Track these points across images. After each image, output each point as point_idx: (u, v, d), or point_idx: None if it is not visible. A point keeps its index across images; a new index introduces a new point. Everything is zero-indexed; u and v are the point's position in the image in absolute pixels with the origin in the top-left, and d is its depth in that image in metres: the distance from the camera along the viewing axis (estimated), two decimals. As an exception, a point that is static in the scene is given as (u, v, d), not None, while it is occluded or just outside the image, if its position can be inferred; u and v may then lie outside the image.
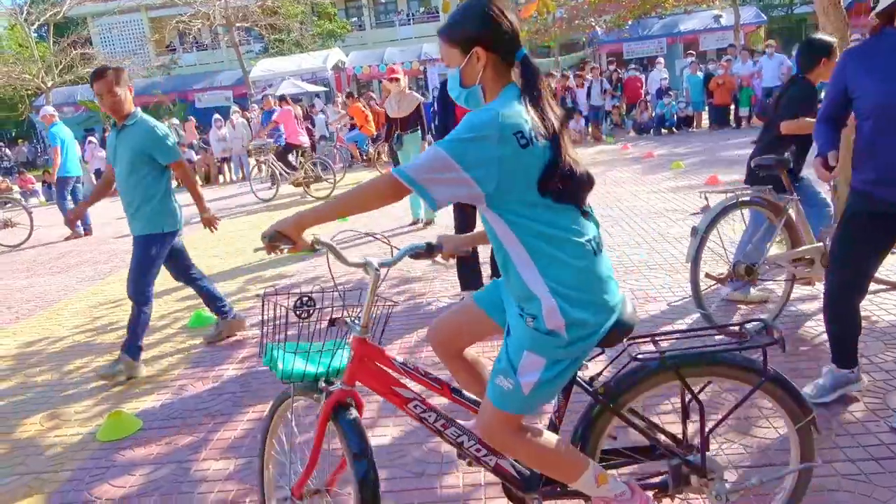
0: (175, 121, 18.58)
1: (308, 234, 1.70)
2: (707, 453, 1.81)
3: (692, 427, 1.86)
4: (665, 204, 7.23)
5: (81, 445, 3.17)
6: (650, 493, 1.85)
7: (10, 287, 7.01)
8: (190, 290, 4.53)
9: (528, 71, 1.64)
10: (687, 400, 1.82)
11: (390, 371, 1.86)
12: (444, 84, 4.03)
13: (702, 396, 1.80)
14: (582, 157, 1.63)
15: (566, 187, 1.58)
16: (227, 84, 27.13)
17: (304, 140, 11.74)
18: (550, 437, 1.74)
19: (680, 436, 1.86)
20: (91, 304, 5.86)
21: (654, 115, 15.22)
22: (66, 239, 9.74)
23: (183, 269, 4.21)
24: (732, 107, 14.49)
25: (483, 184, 1.53)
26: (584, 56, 27.29)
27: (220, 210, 10.89)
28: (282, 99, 12.82)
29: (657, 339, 1.80)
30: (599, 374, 1.85)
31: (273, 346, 1.90)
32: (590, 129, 15.39)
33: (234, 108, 17.41)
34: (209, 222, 4.17)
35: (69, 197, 9.74)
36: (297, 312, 1.80)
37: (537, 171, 1.56)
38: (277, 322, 1.85)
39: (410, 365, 1.88)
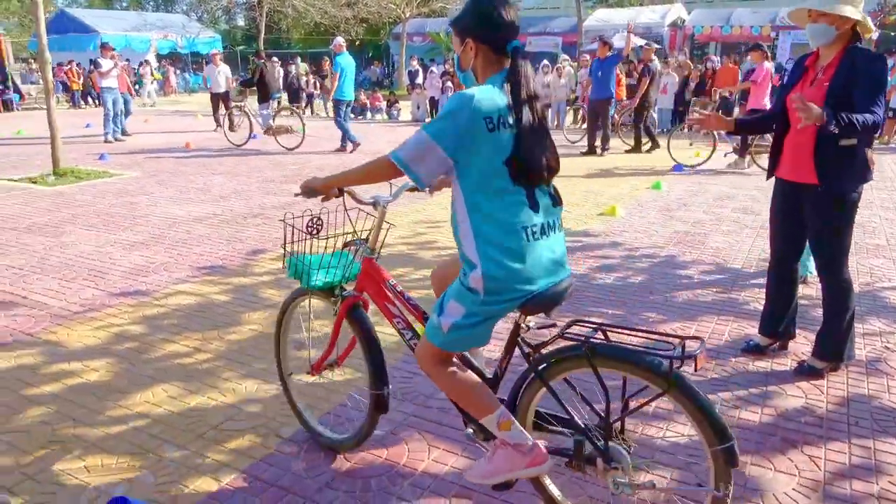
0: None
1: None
2: (614, 443, 1.90)
3: (612, 416, 1.90)
4: None
5: (395, 346, 3.53)
6: (564, 460, 2.01)
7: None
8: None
9: (514, 63, 1.85)
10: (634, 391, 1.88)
11: (385, 290, 2.34)
12: (802, 58, 3.39)
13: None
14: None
15: (522, 174, 1.84)
16: (558, 31, 27.67)
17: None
18: (469, 377, 2.04)
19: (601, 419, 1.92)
20: (414, 220, 6.55)
21: None
22: (335, 151, 11.38)
23: None
24: None
25: (454, 155, 1.80)
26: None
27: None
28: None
29: (605, 327, 1.92)
30: (547, 343, 1.97)
31: (294, 260, 2.40)
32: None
33: (563, 56, 17.60)
34: None
35: (343, 117, 11.15)
36: (309, 230, 2.31)
37: (502, 155, 1.82)
38: (295, 240, 2.35)
39: (399, 289, 2.34)
